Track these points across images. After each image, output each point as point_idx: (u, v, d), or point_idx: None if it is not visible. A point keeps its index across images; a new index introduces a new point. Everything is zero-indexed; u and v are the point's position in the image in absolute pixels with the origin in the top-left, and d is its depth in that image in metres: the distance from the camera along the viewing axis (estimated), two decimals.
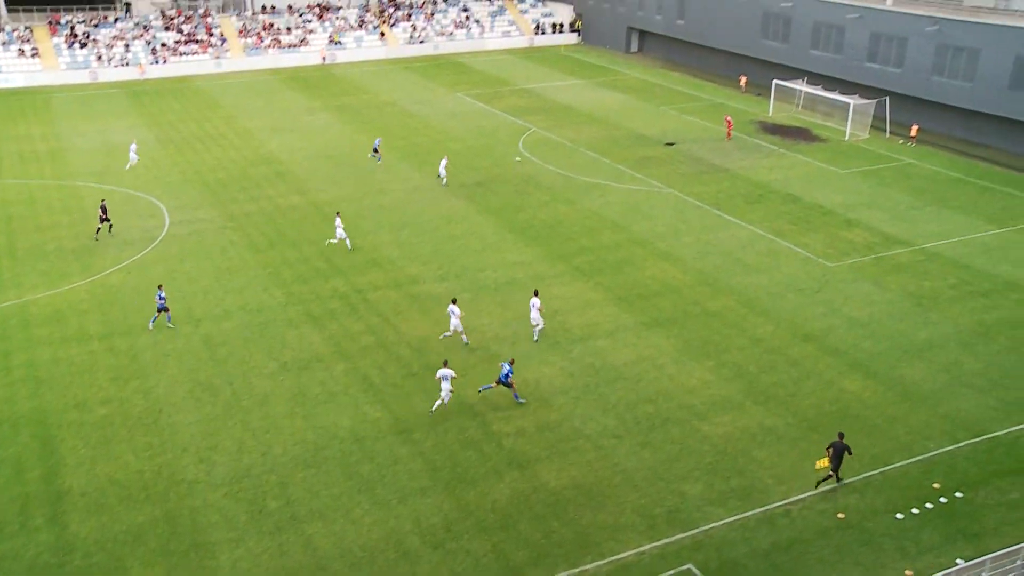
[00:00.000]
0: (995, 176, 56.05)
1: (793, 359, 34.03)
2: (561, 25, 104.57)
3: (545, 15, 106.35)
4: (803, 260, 42.77)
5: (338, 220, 44.14)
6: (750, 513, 26.06)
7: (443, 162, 53.56)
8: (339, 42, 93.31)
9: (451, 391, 30.65)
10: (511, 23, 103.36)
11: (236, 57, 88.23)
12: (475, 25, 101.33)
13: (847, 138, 63.74)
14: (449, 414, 30.50)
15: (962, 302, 38.70)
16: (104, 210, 44.88)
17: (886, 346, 34.98)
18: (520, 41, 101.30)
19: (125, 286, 39.85)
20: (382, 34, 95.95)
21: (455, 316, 34.61)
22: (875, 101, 66.17)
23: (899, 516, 26.02)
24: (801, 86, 70.05)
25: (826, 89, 69.01)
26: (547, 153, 59.52)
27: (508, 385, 30.93)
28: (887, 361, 33.89)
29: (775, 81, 72.04)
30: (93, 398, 31.59)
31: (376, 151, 57.36)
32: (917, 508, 26.34)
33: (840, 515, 26.02)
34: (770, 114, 70.36)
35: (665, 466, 28.04)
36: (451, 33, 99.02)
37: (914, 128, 63.25)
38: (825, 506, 26.38)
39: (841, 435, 27.06)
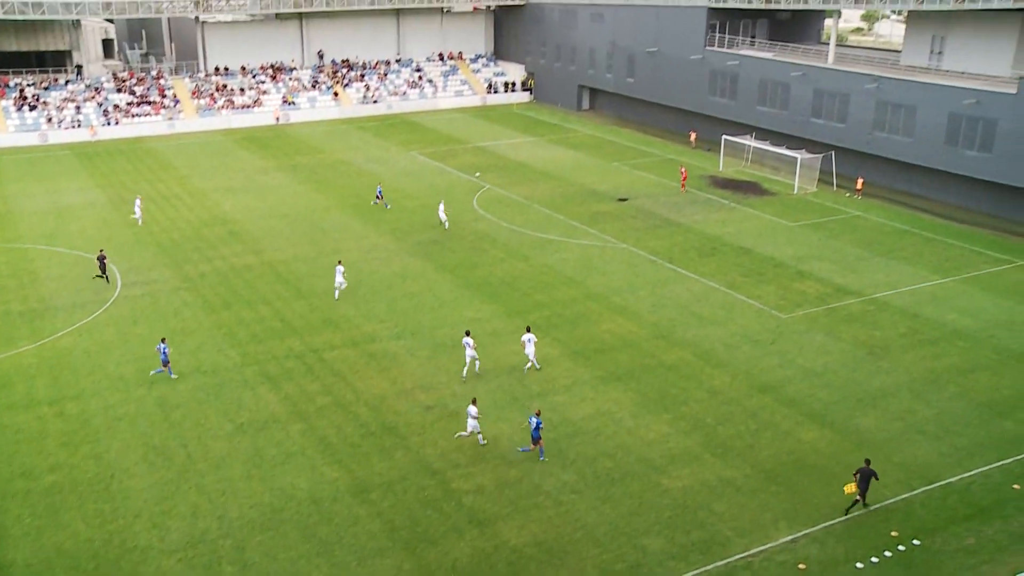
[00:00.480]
0: (937, 227, 57.47)
1: (750, 410, 34.28)
2: (513, 84, 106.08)
3: (497, 74, 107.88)
4: (757, 312, 43.31)
5: (340, 268, 44.81)
6: (712, 566, 26.02)
7: (440, 207, 56.01)
8: (293, 102, 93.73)
9: (477, 423, 31.68)
10: (464, 83, 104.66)
11: (189, 118, 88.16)
12: (428, 85, 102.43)
13: (796, 192, 65.06)
14: (407, 472, 30.22)
15: (913, 350, 39.38)
16: (102, 261, 46.06)
17: (841, 395, 35.40)
18: (473, 100, 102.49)
19: (76, 349, 39.16)
20: (336, 94, 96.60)
21: (469, 348, 36.15)
22: (821, 155, 67.78)
23: (859, 565, 26.14)
24: (749, 141, 71.60)
25: (774, 144, 70.61)
26: (502, 210, 59.93)
27: (536, 440, 30.72)
28: (842, 410, 34.28)
29: (724, 137, 73.56)
30: (41, 465, 30.82)
31: (379, 197, 60.39)
32: (876, 557, 26.49)
33: (801, 566, 26.08)
34: (720, 169, 71.68)
35: (626, 520, 27.95)
36: (404, 93, 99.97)
37: (859, 181, 64.81)
38: (786, 557, 26.43)
39: (867, 461, 28.20)
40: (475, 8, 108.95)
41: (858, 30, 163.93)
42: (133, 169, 71.53)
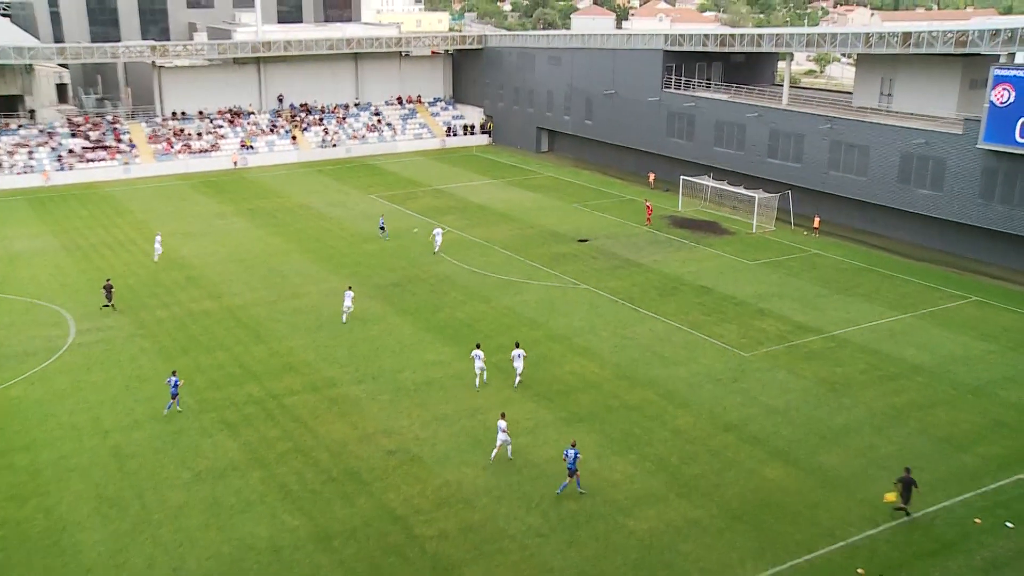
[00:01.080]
0: (893, 264, 58.34)
1: (714, 449, 34.26)
2: (472, 127, 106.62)
3: (456, 117, 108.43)
4: (719, 351, 43.50)
5: (349, 293, 47.17)
6: None
7: (437, 232, 59.82)
8: (251, 146, 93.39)
9: (507, 436, 33.16)
10: (423, 126, 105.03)
11: (146, 163, 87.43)
12: (387, 128, 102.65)
13: (754, 231, 65.78)
14: (370, 518, 29.72)
15: (873, 387, 39.70)
16: (108, 289, 48.59)
17: (804, 433, 35.53)
18: (432, 143, 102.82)
19: (27, 398, 38.23)
20: (294, 138, 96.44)
21: (479, 360, 39.00)
22: (779, 195, 68.72)
23: None
24: (708, 181, 72.41)
25: (731, 184, 71.47)
26: (462, 252, 59.91)
27: (574, 472, 30.78)
28: (806, 448, 34.37)
29: (682, 177, 74.40)
30: None
31: (383, 228, 63.31)
32: None
33: None
34: (679, 209, 72.33)
35: (592, 564, 27.66)
36: (363, 136, 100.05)
37: (816, 220, 65.72)
38: None
39: (908, 470, 29.41)
40: (433, 52, 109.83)
41: (810, 72, 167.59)
42: (88, 215, 70.63)
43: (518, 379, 39.42)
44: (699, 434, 35.40)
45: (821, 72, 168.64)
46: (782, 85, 79.23)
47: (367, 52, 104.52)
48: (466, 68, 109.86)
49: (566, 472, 31.44)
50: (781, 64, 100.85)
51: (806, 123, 68.59)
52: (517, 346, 40.03)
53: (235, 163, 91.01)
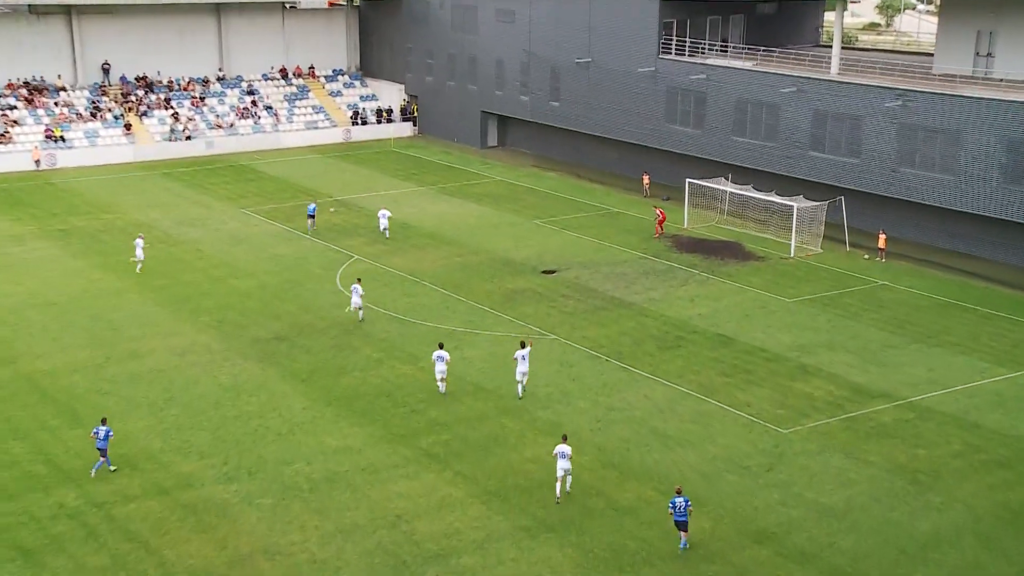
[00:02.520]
0: (998, 299, 59.23)
1: (743, 568, 34.24)
2: (389, 111, 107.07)
3: (365, 98, 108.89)
4: (745, 426, 43.64)
5: (357, 287, 54.01)
6: None
7: (383, 214, 68.61)
8: (61, 138, 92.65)
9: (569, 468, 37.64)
10: (318, 110, 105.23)
11: None
12: (266, 114, 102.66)
13: (792, 254, 66.53)
14: None
15: (974, 477, 39.94)
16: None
17: (874, 545, 35.61)
18: (332, 134, 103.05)
19: None
20: (128, 127, 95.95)
21: (441, 362, 46.24)
22: (827, 203, 69.56)
23: None
24: (725, 186, 73.11)
25: (759, 189, 72.34)
26: (378, 290, 59.75)
27: (684, 525, 34.93)
28: (879, 567, 34.44)
29: (689, 180, 75.01)
30: None
31: (312, 217, 71.35)
32: None
33: None
34: (685, 225, 72.84)
35: None
36: (231, 125, 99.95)
37: (882, 237, 66.60)
38: None
39: None
40: (331, 3, 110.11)
41: (872, 26, 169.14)
42: None
43: (521, 388, 45.83)
44: (720, 547, 35.37)
45: (887, 26, 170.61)
46: (830, 46, 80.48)
47: (234, 2, 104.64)
48: (379, 26, 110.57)
49: (676, 526, 35.06)
50: (829, 16, 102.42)
51: (866, 100, 69.72)
52: (523, 345, 46.20)
53: (37, 162, 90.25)
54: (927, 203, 67.23)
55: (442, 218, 75.29)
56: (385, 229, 70.15)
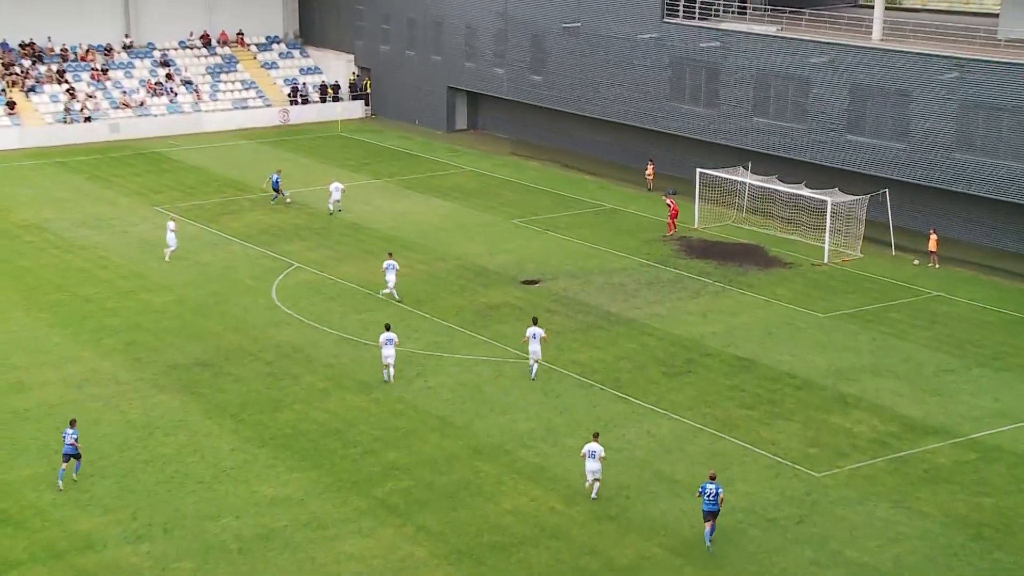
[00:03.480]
0: None
1: None
2: (336, 88, 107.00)
3: (307, 71, 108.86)
4: (770, 468, 43.74)
5: (391, 264, 59.03)
6: None
7: (334, 187, 74.23)
8: None
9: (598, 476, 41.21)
10: (248, 85, 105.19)
11: None
12: (184, 90, 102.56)
13: (826, 260, 66.81)
14: None
15: None
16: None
17: None
18: (266, 115, 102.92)
19: None
20: (11, 105, 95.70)
21: (389, 345, 50.30)
22: (868, 197, 69.83)
23: None
24: (744, 177, 73.37)
25: (784, 180, 72.60)
26: (322, 306, 59.91)
27: (713, 516, 38.01)
28: None
29: (699, 170, 75.26)
30: None
31: (277, 190, 77.58)
32: None
33: None
34: (696, 225, 73.11)
35: None
36: (141, 104, 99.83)
37: (933, 239, 66.78)
38: None
39: None
40: None
41: None
42: None
43: (535, 366, 50.32)
44: None
45: None
46: (871, 6, 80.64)
47: None
48: None
49: (704, 516, 38.17)
50: None
51: (915, 71, 69.89)
52: (535, 322, 51.18)
53: None
54: (989, 196, 67.53)
55: (401, 218, 75.32)
56: (337, 203, 75.12)
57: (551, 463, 44.16)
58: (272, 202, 77.73)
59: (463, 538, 39.29)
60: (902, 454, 44.88)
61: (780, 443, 45.67)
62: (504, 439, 46.02)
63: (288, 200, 77.62)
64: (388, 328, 51.40)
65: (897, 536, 39.45)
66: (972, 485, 42.68)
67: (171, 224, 67.98)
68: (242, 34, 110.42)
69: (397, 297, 59.33)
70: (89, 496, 41.87)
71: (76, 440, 42.53)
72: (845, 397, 49.68)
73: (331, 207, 74.79)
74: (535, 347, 50.84)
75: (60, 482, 42.26)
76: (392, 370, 50.90)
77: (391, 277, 59.38)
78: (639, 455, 44.72)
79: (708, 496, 37.78)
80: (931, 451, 45.15)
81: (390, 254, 60.29)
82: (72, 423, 43.20)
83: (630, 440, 45.91)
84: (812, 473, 43.44)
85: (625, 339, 55.83)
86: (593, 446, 41.00)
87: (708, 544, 38.01)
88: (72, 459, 42.61)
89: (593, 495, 41.15)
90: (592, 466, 40.87)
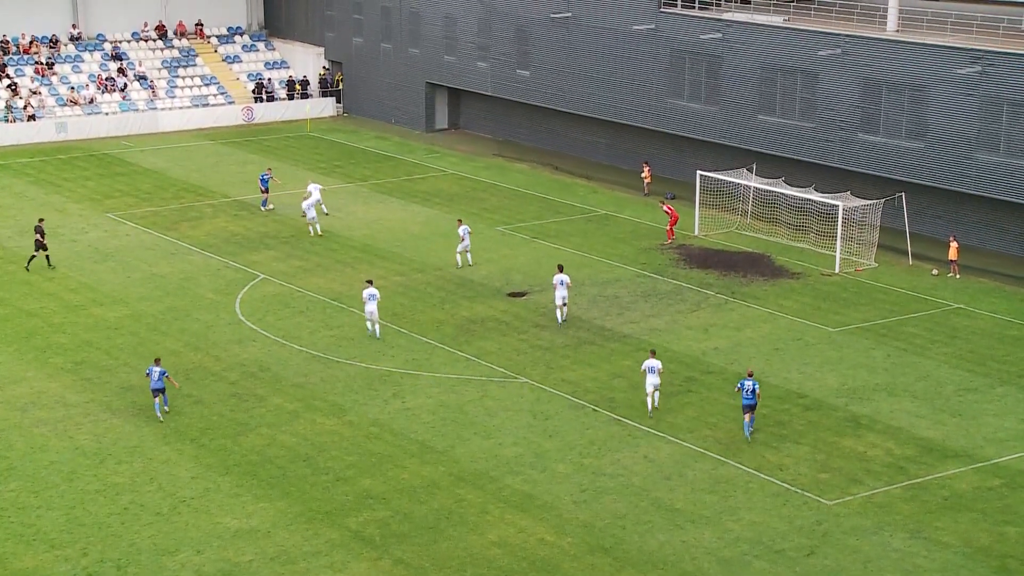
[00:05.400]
0: None
1: None
2: (304, 83, 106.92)
3: (272, 65, 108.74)
4: (777, 496, 43.83)
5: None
6: None
7: (312, 190, 75.22)
8: None
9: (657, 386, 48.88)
10: (208, 81, 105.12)
11: None
12: (138, 86, 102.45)
13: (837, 269, 66.97)
14: None
15: None
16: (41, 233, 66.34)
17: None
18: (227, 114, 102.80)
19: None
20: None
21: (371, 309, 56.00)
22: (882, 200, 69.99)
23: None
24: (748, 180, 73.55)
25: (792, 183, 72.79)
26: (290, 319, 60.00)
27: (752, 408, 46.85)
28: None
29: (699, 173, 75.38)
30: None
31: (265, 190, 77.70)
32: None
33: None
34: (696, 232, 73.21)
35: None
36: (91, 101, 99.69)
37: (953, 246, 66.76)
38: None
39: None
40: None
41: None
42: None
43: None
44: None
45: None
46: None
47: None
48: None
49: (742, 409, 47.06)
50: None
51: (933, 65, 70.04)
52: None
53: None
54: (1014, 201, 67.65)
55: (377, 224, 75.37)
56: (320, 203, 75.91)
57: (540, 491, 44.20)
58: (264, 207, 78.85)
59: (445, 572, 39.32)
60: (920, 480, 44.99)
61: (788, 468, 45.77)
62: (489, 465, 46.06)
63: (270, 207, 78.61)
64: (370, 283, 57.98)
65: (915, 569, 39.54)
66: (996, 513, 42.77)
67: (316, 187, 76.03)
68: (201, 25, 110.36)
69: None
70: (34, 530, 41.77)
71: (164, 376, 49.49)
72: (858, 418, 49.80)
73: (308, 211, 74.12)
74: (562, 292, 58.58)
75: (159, 413, 49.83)
76: (377, 327, 57.37)
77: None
78: (636, 482, 44.77)
79: (746, 392, 46.25)
80: (951, 477, 45.27)
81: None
82: (157, 361, 49.93)
83: (626, 466, 45.96)
84: (823, 501, 43.53)
85: (619, 356, 55.92)
86: (653, 362, 49.28)
87: (748, 435, 47.13)
88: (160, 394, 49.72)
89: (652, 408, 49.53)
90: (652, 380, 49.12)
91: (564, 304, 58.82)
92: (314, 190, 75.51)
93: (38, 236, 66.87)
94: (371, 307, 57.32)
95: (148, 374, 50.05)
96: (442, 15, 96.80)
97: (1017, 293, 64.09)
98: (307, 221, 73.64)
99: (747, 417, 47.03)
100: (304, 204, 74.24)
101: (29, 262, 66.50)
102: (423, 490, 44.11)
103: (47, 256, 67.03)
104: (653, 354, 50.09)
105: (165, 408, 50.06)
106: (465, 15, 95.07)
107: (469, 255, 67.68)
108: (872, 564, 39.74)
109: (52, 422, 49.53)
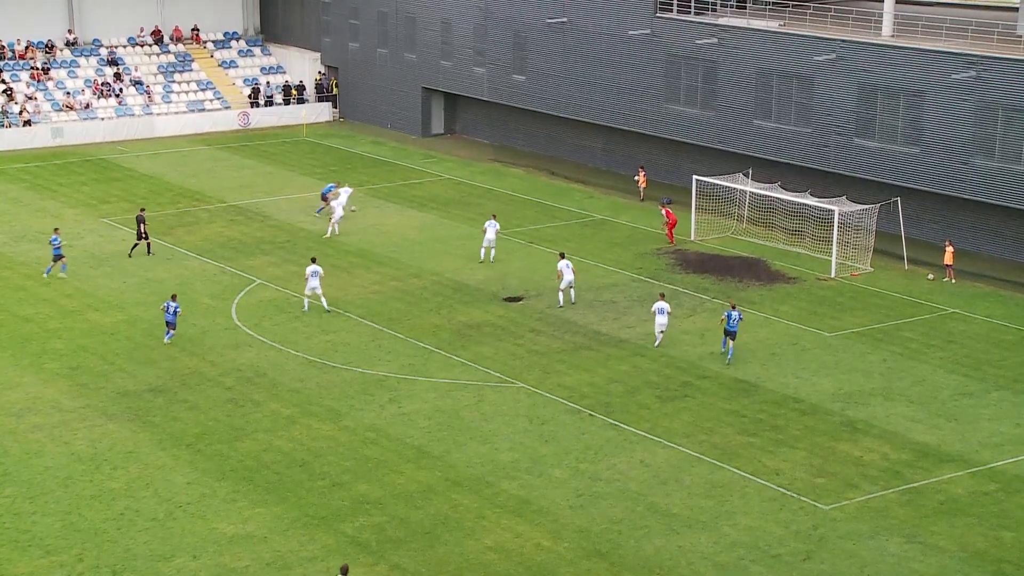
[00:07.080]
0: None
1: None
2: (300, 88, 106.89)
3: (269, 70, 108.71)
4: (774, 500, 43.86)
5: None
6: None
7: (343, 192, 76.69)
8: None
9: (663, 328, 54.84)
10: (205, 86, 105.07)
11: None
12: (135, 91, 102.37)
13: (833, 274, 67.01)
14: None
15: None
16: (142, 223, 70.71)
17: None
18: (224, 119, 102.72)
19: None
20: None
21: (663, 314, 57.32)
22: (878, 206, 70.03)
23: None
24: (744, 184, 73.55)
25: (787, 188, 72.76)
26: (286, 325, 59.99)
27: (732, 335, 53.69)
28: None
29: (695, 177, 75.43)
30: None
31: (325, 199, 77.34)
32: None
33: None
34: (692, 237, 73.25)
35: None
36: (87, 106, 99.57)
37: (949, 251, 66.86)
38: None
39: None
40: None
41: None
42: None
43: (569, 298, 60.36)
44: None
45: None
46: (881, 0, 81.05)
47: None
48: None
49: (725, 333, 54.21)
50: None
51: (929, 70, 70.04)
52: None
53: None
54: (1010, 206, 67.71)
55: (373, 230, 75.32)
56: (351, 208, 77.58)
57: (536, 496, 44.23)
58: (317, 213, 78.78)
59: None
60: (916, 484, 45.06)
61: (784, 473, 45.85)
62: (485, 470, 46.10)
63: (319, 213, 78.95)
64: (314, 261, 61.74)
65: (911, 573, 39.61)
66: (992, 518, 42.85)
67: (346, 191, 78.09)
68: (197, 30, 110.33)
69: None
70: (29, 536, 41.73)
71: (176, 312, 56.49)
72: (854, 423, 49.87)
73: (336, 210, 75.46)
74: (569, 277, 61.48)
75: (167, 340, 57.05)
76: (324, 300, 61.24)
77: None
78: (632, 487, 44.81)
79: (732, 321, 53.29)
80: (947, 481, 45.34)
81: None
82: (173, 297, 57.04)
83: (622, 471, 46.01)
84: (819, 505, 43.60)
85: (616, 360, 55.96)
86: (662, 304, 55.84)
87: (728, 360, 54.25)
88: (170, 328, 56.61)
89: (657, 344, 55.91)
90: (661, 320, 55.62)
91: (571, 287, 61.71)
92: (344, 193, 77.13)
93: (140, 225, 70.34)
94: (313, 283, 60.60)
95: (164, 307, 56.66)
96: (439, 20, 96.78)
97: (1012, 298, 64.16)
98: (332, 221, 74.86)
99: (729, 343, 54.22)
100: (334, 203, 75.65)
101: (132, 249, 70.75)
102: (419, 495, 44.14)
103: (148, 244, 70.70)
104: (663, 297, 56.95)
105: (168, 338, 57.07)
106: (461, 20, 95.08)
107: (493, 251, 69.15)
108: (868, 568, 39.79)
109: (47, 428, 49.48)
